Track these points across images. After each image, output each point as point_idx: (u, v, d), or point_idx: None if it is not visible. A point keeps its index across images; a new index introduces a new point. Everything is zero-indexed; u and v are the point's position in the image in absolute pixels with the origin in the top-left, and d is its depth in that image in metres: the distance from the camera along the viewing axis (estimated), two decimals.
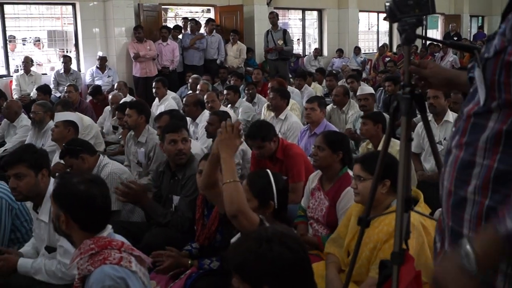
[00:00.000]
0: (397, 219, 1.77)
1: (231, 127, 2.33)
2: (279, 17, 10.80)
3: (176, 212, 3.40)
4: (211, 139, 4.70)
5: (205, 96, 5.84)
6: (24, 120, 5.95)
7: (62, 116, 4.61)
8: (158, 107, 6.48)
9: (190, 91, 7.31)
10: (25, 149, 3.04)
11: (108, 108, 6.74)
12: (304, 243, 1.88)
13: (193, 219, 3.21)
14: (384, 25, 15.66)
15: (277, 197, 2.57)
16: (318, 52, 12.66)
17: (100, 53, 9.07)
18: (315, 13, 13.77)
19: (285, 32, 10.18)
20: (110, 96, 6.83)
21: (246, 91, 7.25)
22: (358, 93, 5.77)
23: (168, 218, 3.36)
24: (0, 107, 6.80)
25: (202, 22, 10.68)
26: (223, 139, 2.31)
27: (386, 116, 4.56)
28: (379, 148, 4.25)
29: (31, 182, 2.83)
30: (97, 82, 8.66)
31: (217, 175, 2.51)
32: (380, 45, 14.35)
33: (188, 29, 10.16)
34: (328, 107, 5.97)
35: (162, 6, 10.54)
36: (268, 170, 2.71)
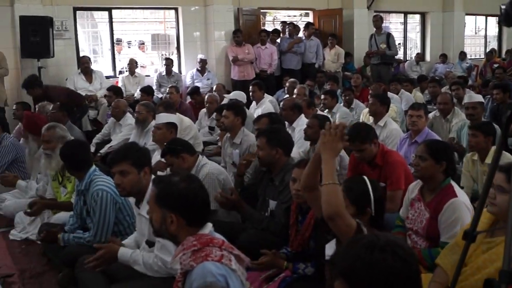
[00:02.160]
0: (507, 235, 1.65)
1: (335, 129, 2.27)
2: None
3: (273, 218, 3.39)
4: (308, 143, 4.65)
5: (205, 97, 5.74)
6: (129, 119, 6.24)
7: (164, 118, 4.76)
8: (255, 110, 6.52)
9: (287, 95, 7.31)
10: (129, 147, 3.16)
11: (204, 110, 6.90)
12: (417, 256, 1.77)
13: (287, 225, 3.18)
14: (493, 29, 14.74)
15: (374, 204, 2.54)
16: (420, 57, 12.18)
17: (200, 56, 9.33)
18: (417, 16, 13.27)
19: (389, 35, 9.86)
20: (206, 96, 6.99)
21: (343, 96, 7.12)
22: (465, 101, 5.45)
23: (264, 225, 3.38)
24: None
25: (301, 26, 10.67)
26: (326, 141, 2.27)
27: (495, 126, 4.29)
28: (487, 160, 4.01)
29: (134, 179, 2.94)
30: (197, 84, 8.91)
31: (318, 177, 2.47)
32: (488, 50, 13.56)
33: (287, 33, 10.17)
34: (430, 115, 5.70)
35: (261, 10, 10.66)
36: (365, 177, 2.66)
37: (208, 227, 2.17)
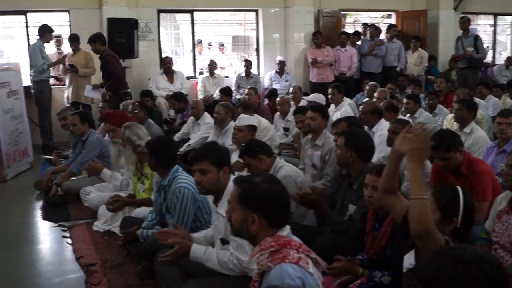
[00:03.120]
0: None
1: (422, 131, 2.16)
2: None
3: (351, 222, 3.32)
4: (389, 148, 4.51)
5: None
6: (207, 118, 6.37)
7: (246, 120, 4.81)
8: (334, 113, 6.43)
9: (367, 99, 7.15)
10: (210, 146, 3.22)
11: (278, 113, 6.90)
12: (507, 273, 1.66)
13: (363, 231, 3.11)
14: None
15: (462, 215, 2.42)
16: (511, 61, 11.51)
17: (279, 58, 9.34)
18: (509, 18, 12.58)
19: (476, 38, 9.33)
20: (278, 99, 6.98)
21: (426, 101, 6.86)
22: None
23: (343, 227, 3.31)
24: (182, 109, 7.39)
25: (382, 28, 10.42)
26: (415, 147, 2.15)
27: None
28: None
29: (213, 178, 2.99)
30: (275, 86, 8.93)
31: (397, 180, 2.39)
32: None
33: (368, 35, 9.97)
34: None
35: (342, 12, 10.51)
36: (459, 187, 2.54)
37: (286, 229, 2.17)
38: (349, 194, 3.53)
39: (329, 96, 6.82)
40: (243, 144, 4.02)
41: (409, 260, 2.33)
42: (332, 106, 6.81)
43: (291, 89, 7.81)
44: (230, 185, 2.97)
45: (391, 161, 2.35)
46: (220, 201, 3.02)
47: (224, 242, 2.93)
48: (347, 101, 6.95)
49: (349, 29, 10.89)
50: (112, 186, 4.92)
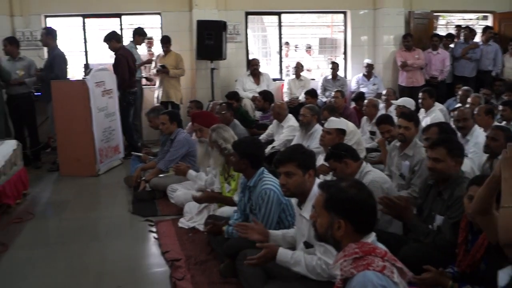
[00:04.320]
0: None
1: None
2: None
3: (439, 233, 3.16)
4: (484, 157, 4.27)
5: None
6: (290, 120, 6.34)
7: (335, 123, 4.74)
8: (424, 119, 6.18)
9: (459, 104, 6.82)
10: (296, 149, 3.19)
11: (365, 117, 6.74)
12: None
13: (454, 242, 2.94)
14: None
15: None
16: None
17: (367, 61, 9.14)
18: None
19: None
20: (365, 101, 6.82)
21: None
22: None
23: (430, 238, 3.15)
24: (265, 108, 7.41)
25: (478, 29, 9.91)
26: (509, 157, 2.02)
27: None
28: None
29: (298, 181, 2.97)
30: (362, 89, 8.73)
31: (493, 200, 2.25)
32: None
33: (461, 37, 9.50)
34: None
35: (434, 13, 10.11)
36: None
37: (372, 236, 2.13)
38: (437, 204, 3.36)
39: (419, 100, 6.56)
40: (329, 148, 3.96)
41: (504, 277, 2.20)
42: (422, 111, 6.55)
43: (384, 91, 7.58)
44: (315, 189, 2.93)
45: (490, 183, 2.21)
46: (304, 204, 3.00)
47: (308, 245, 2.91)
48: (438, 106, 6.64)
49: (442, 31, 10.44)
50: (197, 186, 5.01)
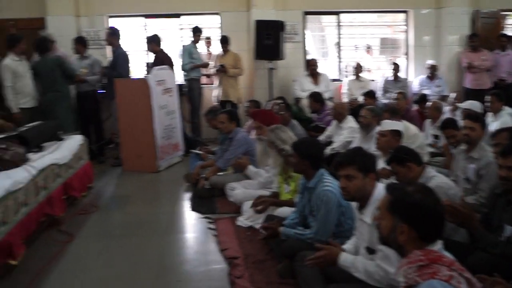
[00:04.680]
0: None
1: None
2: None
3: (510, 244, 3.03)
4: None
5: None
6: (350, 122, 6.26)
7: (389, 124, 4.64)
8: (492, 123, 5.95)
9: None
10: (356, 151, 3.14)
11: (429, 120, 6.56)
12: None
13: None
14: None
15: None
16: None
17: (430, 62, 8.88)
18: None
19: None
20: (428, 104, 6.63)
21: None
22: None
23: (498, 249, 3.02)
24: (318, 110, 7.34)
25: None
26: None
27: None
28: None
29: (359, 184, 2.93)
30: (425, 91, 8.43)
31: None
32: None
33: None
34: None
35: (502, 13, 9.70)
36: None
37: (438, 244, 2.06)
38: (507, 214, 3.21)
39: (487, 104, 6.32)
40: (391, 151, 3.88)
41: None
42: (490, 115, 6.31)
43: (451, 94, 7.32)
44: (376, 193, 2.91)
45: None
46: (365, 208, 2.95)
47: (371, 251, 2.86)
48: (507, 110, 6.36)
49: (510, 31, 10.01)
50: (256, 183, 5.04)
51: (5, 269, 3.79)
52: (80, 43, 7.49)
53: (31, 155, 4.81)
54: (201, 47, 8.76)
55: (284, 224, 3.82)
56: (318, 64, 8.80)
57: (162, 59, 7.52)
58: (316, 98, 7.48)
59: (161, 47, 7.72)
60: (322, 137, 6.56)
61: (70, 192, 5.45)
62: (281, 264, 3.66)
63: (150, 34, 7.81)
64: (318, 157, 3.65)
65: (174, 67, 7.69)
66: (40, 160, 4.75)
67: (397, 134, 4.61)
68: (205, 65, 8.40)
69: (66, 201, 5.29)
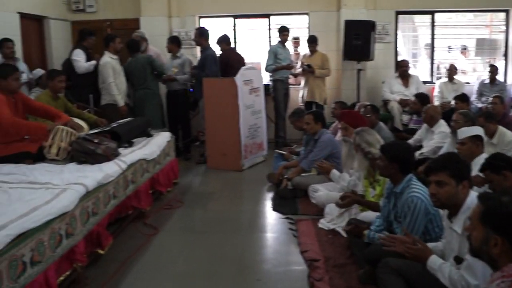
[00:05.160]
0: None
1: None
2: None
3: None
4: None
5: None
6: (442, 126, 5.98)
7: (466, 132, 4.39)
8: None
9: None
10: (449, 157, 3.00)
11: None
12: None
13: None
14: None
15: None
16: None
17: None
18: None
19: None
20: None
21: None
22: None
23: None
24: (419, 111, 7.05)
25: None
26: None
27: None
28: None
29: (451, 191, 2.80)
30: None
31: None
32: None
33: None
34: None
35: None
36: None
37: None
38: None
39: None
40: (486, 159, 3.66)
41: None
42: None
43: None
44: (468, 201, 2.76)
45: None
46: (456, 216, 2.81)
47: (459, 260, 2.72)
48: None
49: None
50: (339, 187, 4.95)
51: (94, 257, 3.97)
52: (174, 43, 7.73)
53: (122, 150, 5.02)
54: (289, 47, 8.75)
55: (371, 229, 3.72)
56: (409, 66, 8.50)
57: (228, 58, 7.57)
58: (422, 99, 7.16)
59: (230, 46, 7.78)
60: (410, 141, 6.32)
61: (156, 187, 5.64)
62: (363, 270, 3.56)
63: (220, 35, 7.88)
64: (407, 161, 3.52)
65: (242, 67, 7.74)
66: (130, 155, 4.95)
67: (477, 139, 4.32)
68: (288, 67, 8.36)
69: (152, 196, 5.48)
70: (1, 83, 4.64)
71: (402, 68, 8.34)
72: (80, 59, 6.96)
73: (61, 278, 3.41)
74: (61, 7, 9.03)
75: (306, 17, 9.17)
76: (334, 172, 5.05)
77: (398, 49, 9.30)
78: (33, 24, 8.34)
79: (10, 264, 2.78)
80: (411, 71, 8.50)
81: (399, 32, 9.37)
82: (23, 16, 7.80)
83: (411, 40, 10.43)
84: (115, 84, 6.88)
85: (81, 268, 3.63)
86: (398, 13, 9.03)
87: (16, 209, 3.22)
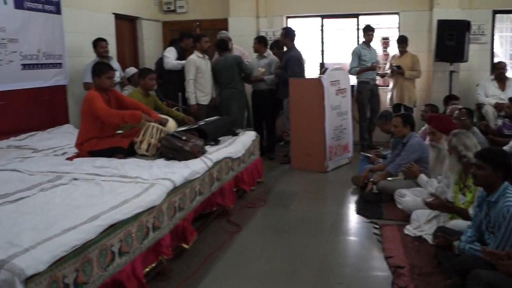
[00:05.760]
0: None
1: None
2: None
3: None
4: None
5: None
6: None
7: None
8: None
9: None
10: None
11: None
12: None
13: None
14: None
15: None
16: None
17: None
18: None
19: None
20: None
21: None
22: None
23: None
24: None
25: None
26: None
27: None
28: None
29: None
30: None
31: None
32: None
33: None
34: None
35: None
36: None
37: None
38: None
39: None
40: None
41: None
42: None
43: None
44: None
45: None
46: None
47: None
48: None
49: None
50: (427, 193, 4.75)
51: (178, 251, 4.09)
52: (261, 43, 7.79)
53: (208, 148, 5.13)
54: (376, 47, 8.55)
55: (461, 239, 3.53)
56: (506, 68, 8.01)
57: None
58: None
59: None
60: (506, 148, 5.95)
61: (240, 185, 5.72)
62: (450, 280, 3.40)
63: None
64: (510, 168, 3.29)
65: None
66: (216, 153, 5.05)
67: None
68: (373, 68, 8.13)
69: (236, 194, 5.56)
70: (95, 80, 4.92)
71: (498, 71, 7.87)
72: (170, 55, 7.28)
73: (147, 269, 3.54)
74: (153, 8, 9.41)
75: (396, 17, 8.92)
76: (422, 177, 4.86)
77: (494, 51, 8.80)
78: (126, 24, 8.77)
79: (100, 253, 2.93)
80: (508, 74, 8.01)
81: (496, 33, 8.86)
82: (118, 17, 8.22)
83: (509, 41, 9.82)
84: (193, 82, 7.09)
85: (166, 261, 3.75)
86: (496, 12, 8.55)
87: (107, 201, 3.38)
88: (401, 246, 4.23)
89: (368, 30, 8.09)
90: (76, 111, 6.91)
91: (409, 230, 4.50)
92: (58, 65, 6.81)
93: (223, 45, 7.53)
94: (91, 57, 6.92)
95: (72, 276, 2.67)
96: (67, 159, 4.82)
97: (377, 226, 4.78)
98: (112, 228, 3.08)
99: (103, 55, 6.85)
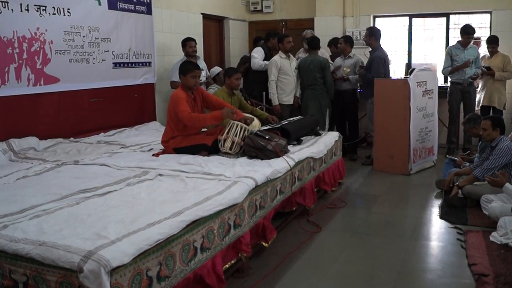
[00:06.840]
0: None
1: None
2: None
3: None
4: None
5: None
6: None
7: None
8: None
9: None
10: None
11: None
12: None
13: None
14: None
15: None
16: None
17: None
18: None
19: None
20: None
21: None
22: None
23: None
24: None
25: None
26: None
27: None
28: None
29: None
30: None
31: None
32: None
33: None
34: None
35: None
36: None
37: None
38: None
39: None
40: None
41: None
42: None
43: None
44: None
45: None
46: None
47: None
48: None
49: None
50: None
51: (258, 249, 4.19)
52: (347, 43, 7.76)
53: (290, 147, 5.21)
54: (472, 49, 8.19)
55: None
56: None
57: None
58: None
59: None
60: None
61: (321, 186, 5.75)
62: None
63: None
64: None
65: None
66: (298, 153, 5.11)
67: None
68: (465, 65, 7.79)
69: (317, 194, 5.60)
70: (181, 79, 5.14)
71: None
72: (257, 56, 7.44)
73: (227, 266, 3.64)
74: (240, 8, 9.64)
75: (487, 16, 8.54)
76: (508, 186, 4.65)
77: None
78: (213, 24, 9.05)
79: (183, 247, 3.03)
80: None
81: None
82: (206, 17, 8.50)
83: None
84: (275, 82, 7.18)
85: (245, 258, 3.85)
86: None
87: (191, 197, 3.51)
88: (486, 253, 4.09)
89: (466, 33, 7.62)
90: (163, 109, 7.22)
91: (495, 237, 4.33)
92: (147, 64, 7.15)
93: (315, 44, 7.55)
94: (179, 56, 7.20)
95: (155, 270, 2.76)
96: (153, 155, 5.05)
97: (461, 232, 4.65)
98: (195, 224, 3.16)
99: (191, 55, 7.08)
